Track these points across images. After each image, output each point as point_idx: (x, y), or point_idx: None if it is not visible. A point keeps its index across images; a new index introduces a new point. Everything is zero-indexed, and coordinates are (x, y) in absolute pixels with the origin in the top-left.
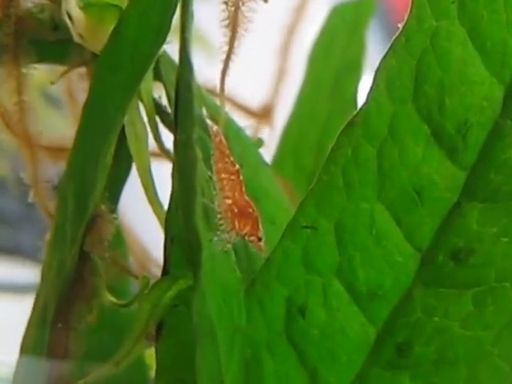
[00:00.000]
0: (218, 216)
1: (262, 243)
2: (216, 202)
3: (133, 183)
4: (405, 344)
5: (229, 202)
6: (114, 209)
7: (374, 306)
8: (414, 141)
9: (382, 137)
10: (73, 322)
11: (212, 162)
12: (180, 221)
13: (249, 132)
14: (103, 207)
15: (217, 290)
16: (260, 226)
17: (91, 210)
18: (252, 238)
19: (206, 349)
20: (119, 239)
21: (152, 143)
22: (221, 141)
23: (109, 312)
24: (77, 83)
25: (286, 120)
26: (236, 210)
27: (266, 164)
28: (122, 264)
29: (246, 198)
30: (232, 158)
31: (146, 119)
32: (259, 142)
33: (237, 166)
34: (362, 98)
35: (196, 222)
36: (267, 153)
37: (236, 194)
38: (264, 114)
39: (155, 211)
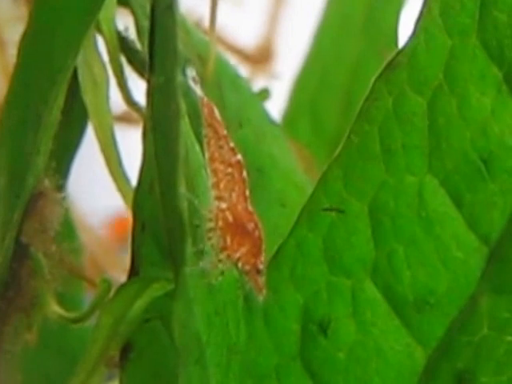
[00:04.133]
0: (207, 223)
1: (261, 281)
2: (205, 202)
3: (88, 150)
4: (466, 372)
5: (223, 205)
6: (62, 185)
7: (423, 320)
8: (480, 88)
9: (434, 83)
10: (6, 343)
11: (203, 144)
12: (154, 201)
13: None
14: (47, 182)
15: (206, 298)
16: (262, 251)
17: (30, 186)
18: (247, 268)
19: (191, 377)
20: (69, 229)
21: (115, 94)
22: (213, 114)
23: (55, 329)
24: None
25: (301, 64)
26: (231, 220)
27: (273, 123)
28: (73, 263)
29: (249, 206)
30: (231, 143)
31: (106, 59)
32: (264, 94)
33: (238, 156)
34: (405, 30)
35: (178, 201)
36: (274, 108)
37: (234, 195)
38: (262, 57)
39: (119, 188)
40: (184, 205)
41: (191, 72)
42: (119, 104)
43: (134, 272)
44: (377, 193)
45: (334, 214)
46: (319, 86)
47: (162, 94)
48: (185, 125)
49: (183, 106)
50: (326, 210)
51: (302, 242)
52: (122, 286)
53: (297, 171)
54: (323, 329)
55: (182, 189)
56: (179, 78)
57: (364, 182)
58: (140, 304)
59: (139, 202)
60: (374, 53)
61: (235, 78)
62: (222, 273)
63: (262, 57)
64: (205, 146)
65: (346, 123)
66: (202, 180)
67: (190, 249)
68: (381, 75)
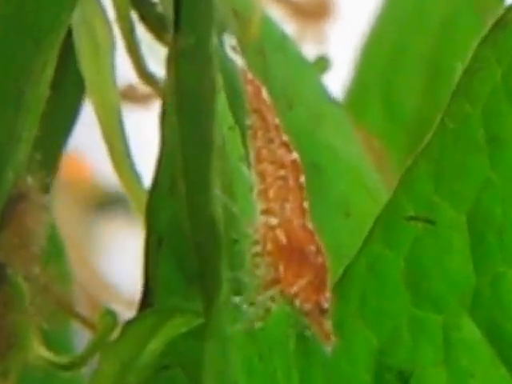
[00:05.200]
0: (251, 246)
1: (327, 324)
2: (248, 212)
3: (85, 138)
4: None
5: (273, 221)
6: (49, 185)
7: None
8: None
9: None
10: None
11: (245, 137)
12: (176, 206)
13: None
14: (30, 181)
15: (247, 338)
16: (328, 284)
17: (8, 184)
18: (307, 308)
19: None
20: (58, 245)
21: (123, 63)
22: (260, 96)
23: (40, 377)
24: None
25: (370, 25)
26: (285, 242)
27: (334, 103)
28: (62, 292)
29: (308, 222)
30: (285, 136)
31: (113, 17)
32: (322, 64)
33: (293, 154)
34: None
35: (211, 205)
36: (335, 84)
37: (288, 208)
38: (318, 13)
39: (127, 189)
40: (219, 211)
41: (230, 38)
42: (129, 76)
43: (146, 302)
44: (479, 197)
45: (420, 225)
46: (394, 55)
47: (192, 62)
48: (221, 104)
49: (220, 80)
50: (410, 219)
51: (377, 263)
52: (131, 322)
53: (366, 168)
54: (404, 380)
55: (217, 190)
56: (214, 40)
57: (462, 182)
58: (155, 345)
59: (155, 207)
60: (468, 10)
61: (283, 43)
62: (269, 312)
63: (317, 12)
64: (249, 139)
65: (431, 103)
66: (244, 180)
67: (226, 273)
68: (485, 39)
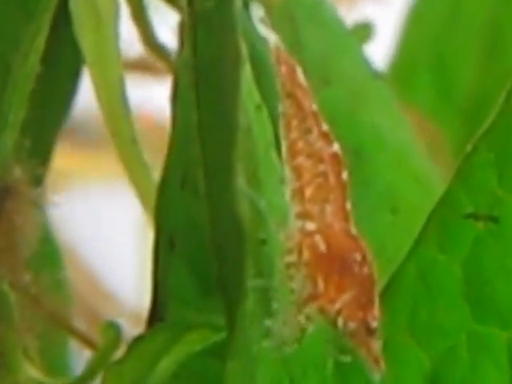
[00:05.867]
0: (283, 253)
1: (376, 346)
2: (278, 210)
3: (84, 120)
4: None
5: (310, 226)
6: (40, 176)
7: None
8: None
9: None
10: None
11: (278, 126)
12: (190, 202)
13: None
14: (19, 172)
15: (276, 358)
16: (376, 299)
17: None
18: (351, 327)
19: None
20: (52, 248)
21: (128, 33)
22: (295, 77)
23: None
24: None
25: None
26: (324, 250)
27: (379, 78)
28: (56, 304)
29: (352, 226)
30: (325, 125)
31: None
32: (364, 32)
33: (334, 146)
34: None
35: (236, 200)
36: (379, 55)
37: (329, 210)
38: None
39: (134, 183)
40: (245, 207)
41: (258, 8)
42: (134, 48)
43: (156, 315)
44: None
45: (481, 224)
46: (448, 23)
47: (211, 28)
48: (247, 80)
49: (245, 50)
50: (469, 217)
51: (429, 269)
52: (139, 338)
53: (417, 155)
54: None
55: (241, 181)
56: (238, 3)
57: None
58: (167, 365)
59: (166, 204)
60: None
61: (317, 7)
62: (304, 333)
63: None
64: (282, 129)
65: (490, 79)
66: (274, 170)
67: (252, 281)
68: None
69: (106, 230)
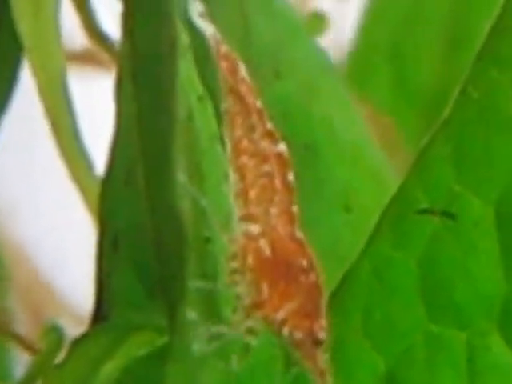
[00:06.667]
0: (228, 261)
1: (322, 359)
2: (221, 209)
3: (22, 113)
4: None
5: (254, 229)
6: None
7: None
8: None
9: None
10: None
11: (221, 124)
12: (134, 199)
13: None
14: None
15: (222, 362)
16: (323, 308)
17: None
18: (297, 338)
19: None
20: None
21: (70, 20)
22: (237, 72)
23: None
24: None
25: None
26: (269, 255)
27: (332, 72)
28: None
29: (297, 230)
30: (269, 123)
31: None
32: (318, 22)
33: (280, 145)
34: None
35: (176, 196)
36: (333, 48)
37: (274, 212)
38: None
39: (75, 178)
40: (186, 203)
41: (196, 3)
42: (77, 37)
43: (99, 316)
44: (510, 184)
45: (437, 220)
46: (407, 14)
47: (149, 15)
48: (188, 69)
49: (186, 40)
50: (425, 213)
51: (384, 267)
52: (80, 340)
53: (371, 150)
54: None
55: (182, 177)
56: None
57: (489, 166)
58: (109, 369)
59: (109, 200)
60: None
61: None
62: (249, 349)
63: None
64: (226, 126)
65: (450, 72)
66: (217, 165)
67: (194, 281)
68: None
69: (57, 226)
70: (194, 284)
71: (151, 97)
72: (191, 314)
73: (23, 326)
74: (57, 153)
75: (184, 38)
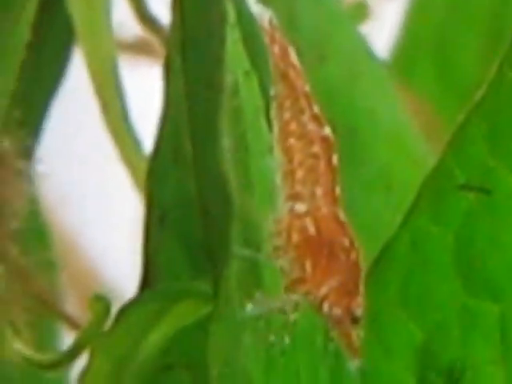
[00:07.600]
0: (272, 238)
1: (356, 336)
2: (267, 210)
3: (74, 94)
4: None
5: (300, 208)
6: (30, 148)
7: None
8: None
9: None
10: None
11: (269, 107)
12: (182, 176)
13: None
14: (8, 144)
15: (265, 326)
16: (361, 288)
17: None
18: (336, 314)
19: None
20: (40, 225)
21: (122, 7)
22: (288, 57)
23: (17, 377)
24: None
25: None
26: (313, 233)
27: (375, 59)
28: (44, 282)
29: (341, 211)
30: (316, 107)
31: None
32: (361, 11)
33: (326, 129)
34: None
35: (221, 163)
36: (377, 36)
37: (319, 193)
38: None
39: (124, 157)
40: (231, 173)
41: None
42: (129, 23)
43: (146, 282)
44: None
45: (472, 195)
46: (452, 8)
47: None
48: (235, 44)
49: (233, 15)
50: (461, 189)
51: (421, 241)
52: (127, 307)
53: (412, 134)
54: (453, 381)
55: (226, 142)
56: None
57: None
58: (157, 338)
59: (157, 177)
60: None
61: None
62: (290, 321)
63: None
64: (273, 110)
65: (491, 65)
66: (262, 138)
67: (238, 249)
68: None
69: (105, 213)
70: (238, 251)
71: (199, 71)
72: (235, 281)
73: (72, 306)
74: (105, 139)
75: (232, 16)
